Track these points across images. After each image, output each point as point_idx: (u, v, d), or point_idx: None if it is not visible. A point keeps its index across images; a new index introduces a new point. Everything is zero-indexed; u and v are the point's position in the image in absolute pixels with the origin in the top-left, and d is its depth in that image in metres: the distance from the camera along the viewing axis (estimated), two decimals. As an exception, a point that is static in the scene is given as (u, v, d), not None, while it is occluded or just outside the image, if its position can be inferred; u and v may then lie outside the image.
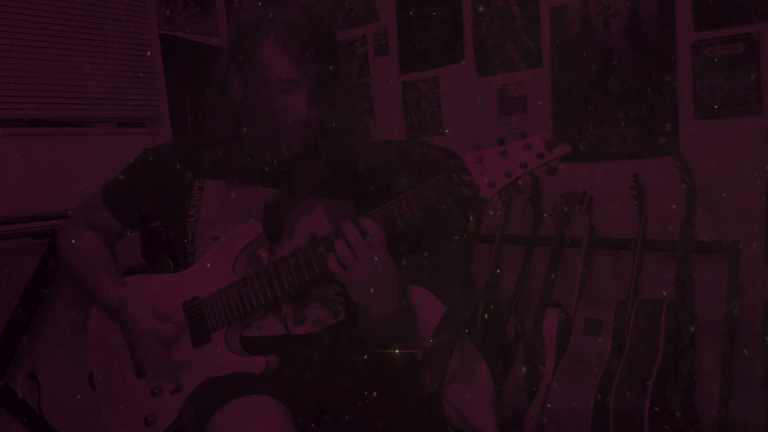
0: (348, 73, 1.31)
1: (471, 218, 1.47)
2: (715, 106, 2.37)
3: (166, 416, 1.26)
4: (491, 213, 2.73)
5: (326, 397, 1.25)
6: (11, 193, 2.38)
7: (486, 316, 2.59)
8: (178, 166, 1.34)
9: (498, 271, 2.69)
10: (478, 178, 1.07)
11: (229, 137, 1.29)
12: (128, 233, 1.45)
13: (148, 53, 2.87)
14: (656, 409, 2.05)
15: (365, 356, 1.29)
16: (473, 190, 1.08)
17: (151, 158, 1.38)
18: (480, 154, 1.08)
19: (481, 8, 2.91)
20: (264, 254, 1.30)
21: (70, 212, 2.27)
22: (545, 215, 2.64)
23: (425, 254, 1.52)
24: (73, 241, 1.40)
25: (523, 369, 2.45)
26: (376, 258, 1.11)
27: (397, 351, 1.35)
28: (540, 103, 2.80)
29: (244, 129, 1.27)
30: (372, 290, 1.14)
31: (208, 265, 1.27)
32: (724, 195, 2.38)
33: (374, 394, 1.24)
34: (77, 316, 2.51)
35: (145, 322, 1.24)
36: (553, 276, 2.56)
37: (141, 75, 2.86)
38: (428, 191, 1.09)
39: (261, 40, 1.21)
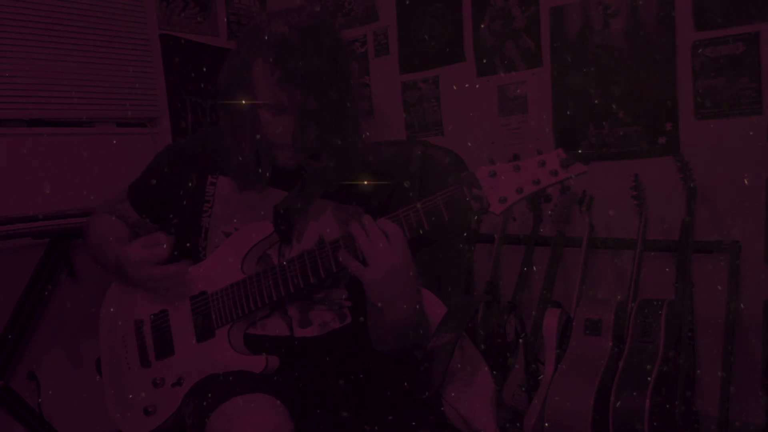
0: (353, 77, 1.28)
1: (473, 219, 1.47)
2: (715, 106, 2.37)
3: (166, 408, 1.26)
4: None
5: (327, 398, 1.25)
6: (11, 193, 2.38)
7: (486, 316, 2.59)
8: (196, 160, 1.36)
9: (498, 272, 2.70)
10: (490, 192, 1.06)
11: (229, 146, 1.29)
12: (148, 225, 1.47)
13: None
14: (656, 409, 2.05)
15: (371, 364, 1.29)
16: (483, 205, 1.07)
17: (170, 152, 1.42)
18: (493, 168, 1.07)
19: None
20: (273, 254, 1.30)
21: (69, 212, 2.29)
22: (545, 215, 2.64)
23: (426, 254, 1.52)
24: (96, 225, 1.44)
25: (524, 369, 2.45)
26: (396, 258, 1.10)
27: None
28: (540, 103, 2.81)
29: (238, 140, 1.27)
30: (391, 291, 1.12)
31: (217, 261, 1.28)
32: (724, 195, 2.38)
33: (375, 394, 1.24)
34: (77, 316, 2.51)
35: (138, 253, 1.24)
36: (553, 276, 2.56)
37: (141, 75, 2.86)
38: (438, 203, 1.09)
39: (253, 60, 1.21)
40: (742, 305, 2.33)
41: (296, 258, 1.18)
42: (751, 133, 2.29)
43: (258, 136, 1.24)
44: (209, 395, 1.14)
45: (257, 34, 1.22)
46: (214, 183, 1.34)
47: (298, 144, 1.23)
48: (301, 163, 1.28)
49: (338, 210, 1.33)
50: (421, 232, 1.11)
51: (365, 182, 1.33)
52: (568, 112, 2.73)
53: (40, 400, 2.43)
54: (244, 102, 1.23)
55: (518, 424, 2.32)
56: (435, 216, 1.09)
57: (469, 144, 2.93)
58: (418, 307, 1.17)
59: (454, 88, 3.05)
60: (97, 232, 1.42)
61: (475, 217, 2.70)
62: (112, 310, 1.40)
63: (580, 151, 1.05)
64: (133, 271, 1.25)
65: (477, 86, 2.97)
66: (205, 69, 3.07)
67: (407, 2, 3.14)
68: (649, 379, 2.08)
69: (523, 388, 2.42)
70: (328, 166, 1.28)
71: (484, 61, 2.95)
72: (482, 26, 2.94)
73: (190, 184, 1.35)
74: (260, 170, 1.28)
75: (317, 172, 1.29)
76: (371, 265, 1.10)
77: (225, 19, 3.23)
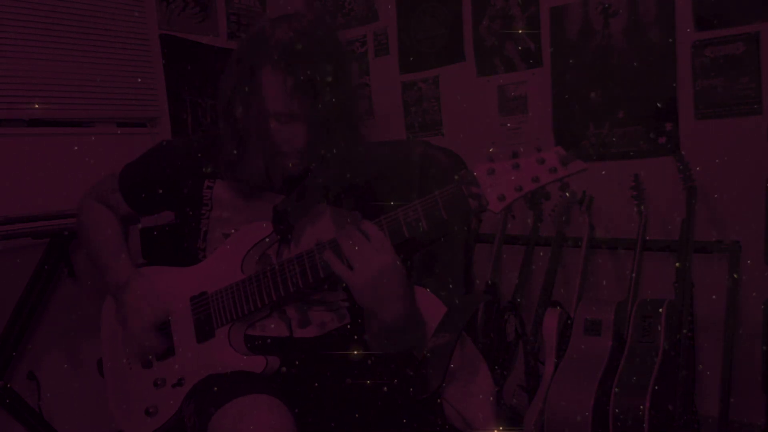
0: (354, 79, 1.29)
1: (473, 219, 1.46)
2: (715, 106, 2.37)
3: (167, 408, 1.26)
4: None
5: (328, 398, 1.25)
6: (11, 193, 2.38)
7: (486, 316, 2.59)
8: (193, 165, 1.35)
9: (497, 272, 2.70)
10: (488, 190, 1.05)
11: (234, 155, 1.28)
12: (139, 219, 1.48)
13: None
14: (656, 409, 2.05)
15: (369, 361, 1.29)
16: (481, 203, 1.06)
17: (168, 151, 1.41)
18: (492, 165, 1.05)
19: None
20: (273, 255, 1.30)
21: (69, 212, 2.28)
22: (545, 215, 2.64)
23: (426, 254, 1.52)
24: (92, 216, 1.44)
25: (524, 369, 2.45)
26: (382, 260, 1.09)
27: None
28: (540, 103, 2.81)
29: (245, 149, 1.27)
30: (378, 294, 1.10)
31: (217, 261, 1.28)
32: (724, 195, 2.38)
33: (375, 394, 1.24)
34: (77, 316, 2.51)
35: (135, 304, 1.28)
36: (553, 276, 2.56)
37: (141, 75, 2.86)
38: (437, 202, 1.08)
39: (261, 68, 1.19)
40: (742, 305, 2.33)
41: (295, 258, 1.18)
42: (751, 133, 2.29)
43: (266, 145, 1.23)
44: (210, 396, 1.14)
45: (262, 40, 1.20)
46: (211, 187, 1.34)
47: (309, 151, 1.22)
48: (306, 169, 1.28)
49: (336, 214, 1.33)
50: (420, 231, 1.10)
51: (364, 187, 1.33)
52: (568, 112, 2.73)
53: (40, 402, 2.43)
54: (252, 112, 1.22)
55: (518, 424, 2.32)
56: (434, 215, 1.08)
57: (469, 144, 2.94)
58: (410, 309, 1.15)
59: (452, 89, 3.05)
60: (99, 230, 1.42)
61: (474, 218, 2.70)
62: (113, 308, 1.40)
63: (579, 148, 1.04)
64: (130, 322, 1.29)
65: (477, 86, 2.97)
66: (205, 69, 3.08)
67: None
68: (649, 379, 2.08)
69: (523, 388, 2.42)
70: (329, 171, 1.27)
71: (484, 61, 2.96)
72: (482, 26, 2.94)
73: (186, 188, 1.35)
74: (269, 178, 1.27)
75: (318, 178, 1.29)
76: (357, 269, 1.09)
77: (225, 19, 3.23)
